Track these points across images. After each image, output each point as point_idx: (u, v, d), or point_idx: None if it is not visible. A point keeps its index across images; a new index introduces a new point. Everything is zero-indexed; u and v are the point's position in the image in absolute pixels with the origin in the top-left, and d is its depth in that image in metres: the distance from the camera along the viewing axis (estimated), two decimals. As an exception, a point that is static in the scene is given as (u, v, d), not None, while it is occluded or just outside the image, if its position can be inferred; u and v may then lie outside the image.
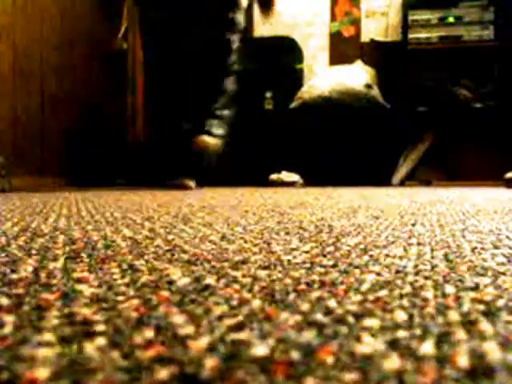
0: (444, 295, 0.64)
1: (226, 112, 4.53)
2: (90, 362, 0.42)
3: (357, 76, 5.42)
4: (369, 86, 5.29)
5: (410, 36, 5.62)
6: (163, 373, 0.40)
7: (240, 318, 0.55)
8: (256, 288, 0.68)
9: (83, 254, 0.94)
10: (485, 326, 0.52)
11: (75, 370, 0.41)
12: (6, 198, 2.62)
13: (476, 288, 0.68)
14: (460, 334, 0.49)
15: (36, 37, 4.15)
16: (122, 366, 0.41)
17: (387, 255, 0.93)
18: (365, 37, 6.10)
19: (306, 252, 0.96)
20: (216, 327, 0.51)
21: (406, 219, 1.56)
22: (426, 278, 0.74)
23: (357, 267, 0.82)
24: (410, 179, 5.58)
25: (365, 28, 6.15)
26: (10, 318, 0.54)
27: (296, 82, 5.75)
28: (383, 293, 0.65)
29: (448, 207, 2.10)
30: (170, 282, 0.71)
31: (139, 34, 4.57)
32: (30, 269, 0.80)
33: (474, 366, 0.41)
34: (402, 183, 5.50)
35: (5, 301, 0.61)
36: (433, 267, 0.82)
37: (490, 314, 0.56)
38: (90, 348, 0.45)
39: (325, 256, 0.92)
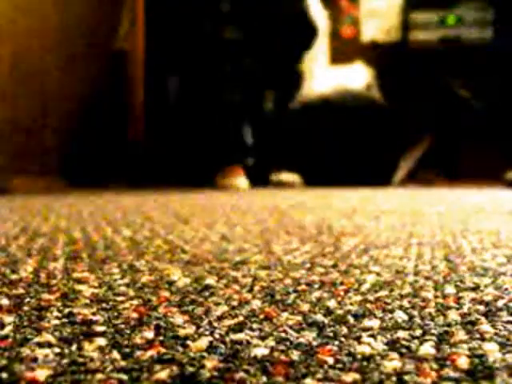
0: (444, 295, 0.64)
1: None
2: (90, 362, 0.42)
3: (357, 76, 5.42)
4: (369, 87, 5.30)
5: (410, 36, 5.62)
6: (163, 373, 0.40)
7: (240, 318, 0.55)
8: (256, 288, 0.68)
9: (83, 254, 0.94)
10: (485, 326, 0.52)
11: (75, 370, 0.41)
12: (5, 199, 2.62)
13: (476, 288, 0.68)
14: (460, 334, 0.49)
15: (36, 36, 4.16)
16: (121, 366, 0.41)
17: (387, 255, 0.93)
18: (365, 37, 6.09)
19: (306, 252, 0.96)
20: (216, 327, 0.51)
21: (406, 219, 1.56)
22: (426, 278, 0.74)
23: (357, 267, 0.82)
24: (410, 179, 5.58)
25: (365, 28, 6.15)
26: (10, 318, 0.54)
27: (296, 82, 5.75)
28: (383, 293, 0.65)
29: (448, 207, 2.10)
30: (170, 282, 0.71)
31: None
32: (30, 269, 0.80)
33: (474, 367, 0.41)
34: (402, 183, 5.50)
35: (5, 301, 0.61)
36: (433, 267, 0.82)
37: (490, 314, 0.56)
38: (90, 348, 0.46)
39: (325, 256, 0.92)
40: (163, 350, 0.45)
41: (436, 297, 0.63)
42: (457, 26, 5.65)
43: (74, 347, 0.46)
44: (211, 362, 0.42)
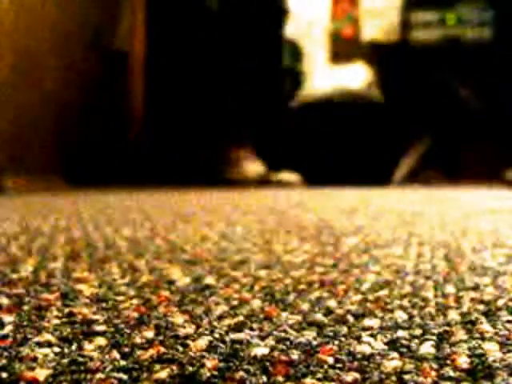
0: (444, 295, 0.64)
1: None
2: (90, 361, 0.42)
3: (357, 76, 5.43)
4: (369, 87, 5.30)
5: (410, 36, 5.63)
6: (163, 372, 0.40)
7: (240, 317, 0.55)
8: (256, 288, 0.68)
9: (83, 254, 0.94)
10: (485, 325, 0.52)
11: (75, 370, 0.41)
12: (5, 199, 2.62)
13: (476, 288, 0.68)
14: (460, 333, 0.49)
15: (36, 38, 4.16)
16: (121, 366, 0.41)
17: (387, 255, 0.93)
18: (365, 37, 6.09)
19: (306, 252, 0.96)
20: (216, 327, 0.51)
21: (406, 219, 1.56)
22: (426, 277, 0.74)
23: (357, 267, 0.82)
24: (410, 179, 5.58)
25: (365, 28, 6.15)
26: (9, 318, 0.54)
27: (296, 82, 5.75)
28: (383, 293, 0.65)
29: (448, 207, 2.10)
30: (170, 282, 0.71)
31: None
32: (30, 268, 0.80)
33: (474, 366, 0.41)
34: (402, 183, 5.51)
35: (5, 301, 0.61)
36: (433, 267, 0.82)
37: (490, 313, 0.56)
38: (90, 348, 0.46)
39: (325, 256, 0.92)
40: (163, 350, 0.45)
41: (436, 296, 0.64)
42: (457, 26, 5.66)
43: (73, 347, 0.46)
44: (211, 362, 0.42)
